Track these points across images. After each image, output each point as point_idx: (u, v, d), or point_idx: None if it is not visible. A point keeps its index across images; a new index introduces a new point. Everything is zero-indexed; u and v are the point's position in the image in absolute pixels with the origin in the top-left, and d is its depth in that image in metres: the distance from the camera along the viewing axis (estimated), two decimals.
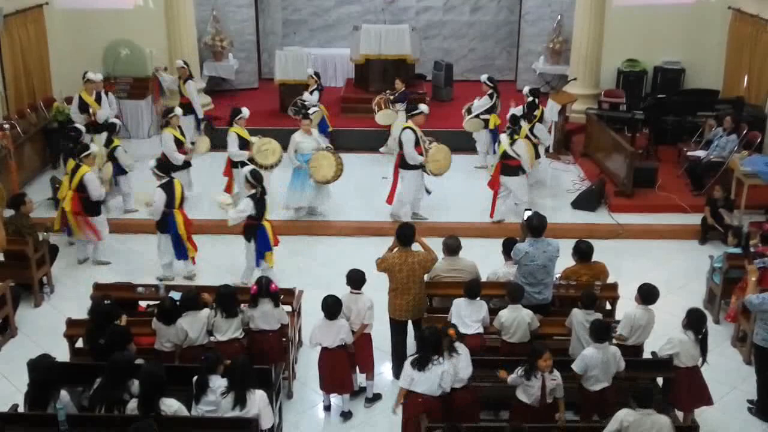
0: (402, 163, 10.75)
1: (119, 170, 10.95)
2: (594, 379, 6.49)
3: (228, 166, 11.02)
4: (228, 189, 11.00)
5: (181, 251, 9.52)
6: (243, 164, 10.82)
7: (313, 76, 13.21)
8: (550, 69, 15.97)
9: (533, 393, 6.27)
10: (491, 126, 12.64)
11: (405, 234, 7.51)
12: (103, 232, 10.00)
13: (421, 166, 10.71)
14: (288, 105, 13.85)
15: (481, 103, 12.62)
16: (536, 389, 6.25)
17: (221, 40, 15.67)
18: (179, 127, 11.17)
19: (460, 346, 6.47)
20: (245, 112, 11.05)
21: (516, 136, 10.83)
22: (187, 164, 11.17)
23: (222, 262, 10.04)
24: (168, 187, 9.33)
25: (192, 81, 13.09)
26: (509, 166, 10.82)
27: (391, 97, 13.07)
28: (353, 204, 11.50)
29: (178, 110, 11.29)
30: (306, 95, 13.01)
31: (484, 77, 12.93)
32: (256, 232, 9.08)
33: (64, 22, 13.96)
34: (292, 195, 11.08)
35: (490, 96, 12.62)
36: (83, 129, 11.13)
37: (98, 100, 12.07)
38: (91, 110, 11.86)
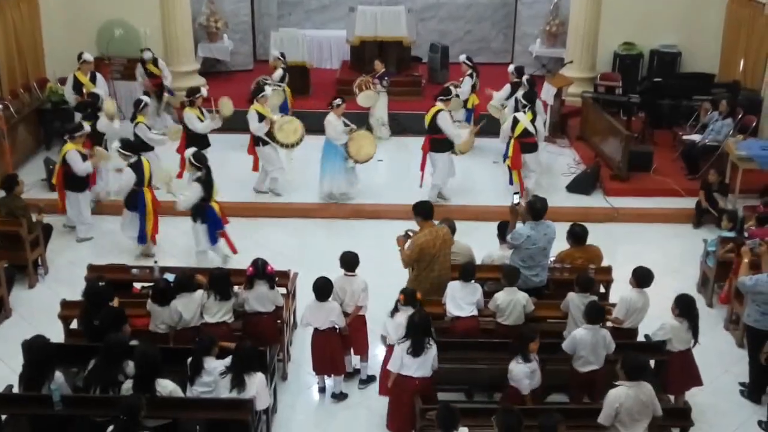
0: (434, 147, 10.74)
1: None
2: (583, 360, 6.54)
3: (251, 144, 11.04)
4: (255, 167, 11.05)
5: (142, 234, 9.57)
6: (264, 142, 10.85)
7: (279, 57, 13.23)
8: (547, 52, 15.91)
9: (536, 375, 6.33)
10: (469, 105, 12.71)
11: (426, 208, 7.49)
12: (84, 211, 10.07)
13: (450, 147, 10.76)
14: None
15: (465, 86, 12.64)
16: (538, 370, 6.33)
17: (216, 20, 15.54)
18: (200, 107, 11.11)
19: (403, 313, 6.63)
20: (269, 90, 11.13)
21: (534, 113, 11.01)
22: (206, 144, 11.04)
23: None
24: (137, 167, 9.37)
25: (160, 60, 13.17)
26: (528, 143, 10.93)
27: (372, 79, 13.03)
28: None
29: (204, 90, 11.23)
30: (278, 72, 13.02)
31: (462, 57, 13.02)
32: (206, 213, 9.07)
33: (58, 1, 13.82)
34: (326, 182, 10.99)
35: (470, 76, 12.67)
36: (101, 93, 11.27)
37: (92, 80, 12.01)
38: (85, 90, 11.74)
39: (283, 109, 12.76)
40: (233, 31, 16.10)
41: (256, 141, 10.99)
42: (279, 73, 12.96)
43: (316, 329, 7.12)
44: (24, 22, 12.84)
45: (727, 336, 8.43)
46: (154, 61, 13.09)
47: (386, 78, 13.08)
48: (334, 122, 10.69)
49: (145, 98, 11.22)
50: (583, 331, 6.51)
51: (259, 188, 11.36)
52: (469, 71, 12.72)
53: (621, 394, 5.81)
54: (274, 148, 11.07)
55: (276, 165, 11.17)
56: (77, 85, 11.86)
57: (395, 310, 6.85)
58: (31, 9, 13.09)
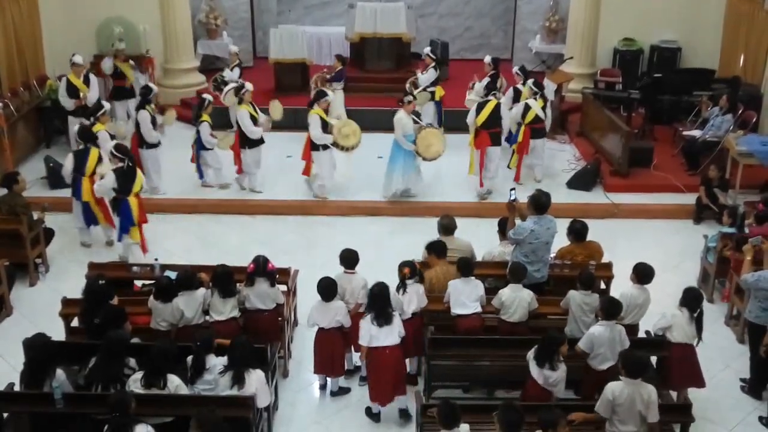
0: (495, 141, 10.86)
1: (201, 145, 11.00)
2: (601, 358, 6.50)
3: (308, 148, 10.89)
4: (306, 172, 11.02)
5: (89, 217, 9.70)
6: (325, 147, 10.80)
7: (236, 53, 13.31)
8: (547, 48, 15.89)
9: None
10: (437, 98, 12.76)
11: (441, 247, 7.49)
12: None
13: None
14: (284, 83, 13.85)
15: (427, 77, 12.69)
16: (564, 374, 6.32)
17: (215, 17, 15.53)
18: (252, 103, 11.07)
19: (412, 286, 6.95)
20: (331, 95, 11.12)
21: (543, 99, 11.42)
22: (260, 141, 11.03)
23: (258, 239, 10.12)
24: (80, 155, 9.57)
25: (132, 62, 13.13)
26: (538, 129, 11.31)
27: (328, 76, 13.02)
28: (349, 183, 11.45)
29: (249, 85, 11.17)
30: (227, 72, 13.05)
31: (426, 50, 13.14)
32: (120, 207, 9.12)
33: None
34: (395, 180, 10.90)
35: (434, 68, 12.75)
36: (155, 88, 11.36)
37: (86, 81, 11.86)
38: (81, 94, 11.65)
39: None
40: (233, 27, 16.08)
41: (314, 146, 10.84)
42: (236, 71, 12.98)
43: (320, 328, 7.12)
44: (23, 20, 12.82)
45: (728, 332, 8.43)
46: (126, 61, 13.00)
47: (341, 77, 13.07)
48: (404, 119, 10.62)
49: (208, 97, 11.26)
50: (600, 328, 6.48)
51: (322, 193, 11.22)
52: (433, 64, 12.79)
53: (617, 387, 5.80)
54: (331, 152, 10.98)
55: (329, 172, 11.09)
56: (71, 89, 11.71)
57: (402, 285, 6.97)
58: (30, 6, 13.06)
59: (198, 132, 10.94)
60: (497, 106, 10.82)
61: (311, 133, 10.76)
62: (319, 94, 10.98)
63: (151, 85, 11.64)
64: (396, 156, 10.83)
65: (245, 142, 10.90)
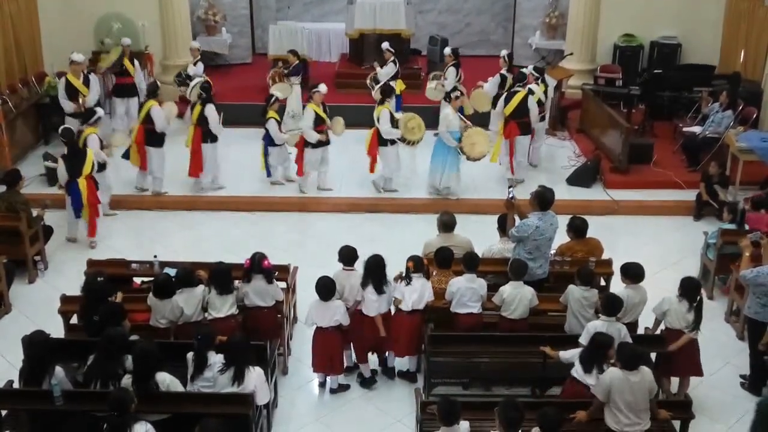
0: (523, 130, 10.98)
1: (270, 141, 10.99)
2: None
3: (374, 143, 10.85)
4: (372, 168, 11.05)
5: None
6: (392, 142, 10.83)
7: (198, 48, 13.32)
8: (547, 44, 15.86)
9: None
10: (397, 92, 12.73)
11: (447, 257, 7.39)
12: (158, 163, 10.80)
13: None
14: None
15: (386, 71, 12.69)
16: None
17: (214, 14, 15.49)
18: (323, 104, 10.94)
19: (417, 280, 7.03)
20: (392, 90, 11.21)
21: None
22: (321, 143, 10.90)
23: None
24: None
25: (136, 61, 13.02)
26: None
27: (286, 71, 13.01)
28: (348, 180, 11.45)
29: (322, 87, 11.03)
30: (190, 67, 12.98)
31: (385, 45, 13.16)
32: (70, 189, 9.49)
33: None
34: (439, 177, 10.89)
35: (394, 63, 12.80)
36: (185, 76, 11.44)
37: (86, 82, 11.67)
38: (81, 98, 11.46)
39: None
40: (231, 24, 16.06)
41: (382, 141, 10.81)
42: (200, 66, 12.97)
43: (319, 327, 7.10)
44: (21, 16, 12.81)
45: (728, 328, 8.43)
46: (130, 59, 12.88)
47: (298, 72, 13.05)
48: (450, 115, 10.60)
49: (277, 93, 11.25)
50: (598, 322, 6.49)
51: (389, 187, 11.25)
52: (392, 58, 12.82)
53: (615, 374, 5.80)
54: (396, 147, 10.96)
55: (395, 166, 11.08)
56: (70, 90, 11.51)
57: (407, 277, 7.05)
58: (28, 3, 13.06)
59: (266, 129, 10.89)
60: (525, 97, 10.90)
61: (381, 129, 10.73)
62: (389, 90, 10.93)
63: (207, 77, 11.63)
64: (438, 153, 10.82)
65: (308, 141, 10.81)
